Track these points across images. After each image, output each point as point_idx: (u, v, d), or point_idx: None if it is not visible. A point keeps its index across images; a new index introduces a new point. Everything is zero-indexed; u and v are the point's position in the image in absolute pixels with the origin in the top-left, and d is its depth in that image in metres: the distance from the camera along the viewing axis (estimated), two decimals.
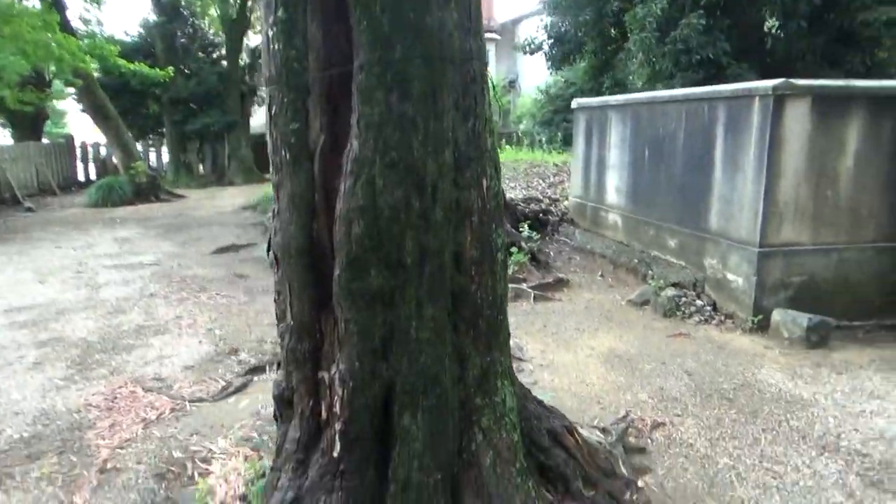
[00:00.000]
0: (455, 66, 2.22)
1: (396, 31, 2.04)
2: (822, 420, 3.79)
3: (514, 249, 7.12)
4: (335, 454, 2.28)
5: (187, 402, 4.12)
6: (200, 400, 4.18)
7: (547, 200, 9.36)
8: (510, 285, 6.55)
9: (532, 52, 12.23)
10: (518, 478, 2.48)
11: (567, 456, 2.88)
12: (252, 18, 18.86)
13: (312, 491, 2.32)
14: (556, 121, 17.60)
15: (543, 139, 17.64)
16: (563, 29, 11.09)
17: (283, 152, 2.17)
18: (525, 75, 30.81)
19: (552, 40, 11.59)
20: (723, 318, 5.65)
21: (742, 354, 4.87)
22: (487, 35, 29.24)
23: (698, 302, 5.87)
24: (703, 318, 5.67)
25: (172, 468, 3.38)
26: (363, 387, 2.25)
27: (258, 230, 10.43)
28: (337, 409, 2.25)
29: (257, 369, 4.67)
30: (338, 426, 2.26)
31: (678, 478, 3.23)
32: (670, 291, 5.97)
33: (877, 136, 5.33)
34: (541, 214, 8.74)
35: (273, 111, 2.17)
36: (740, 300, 5.53)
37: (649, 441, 3.60)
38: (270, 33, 2.10)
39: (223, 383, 4.46)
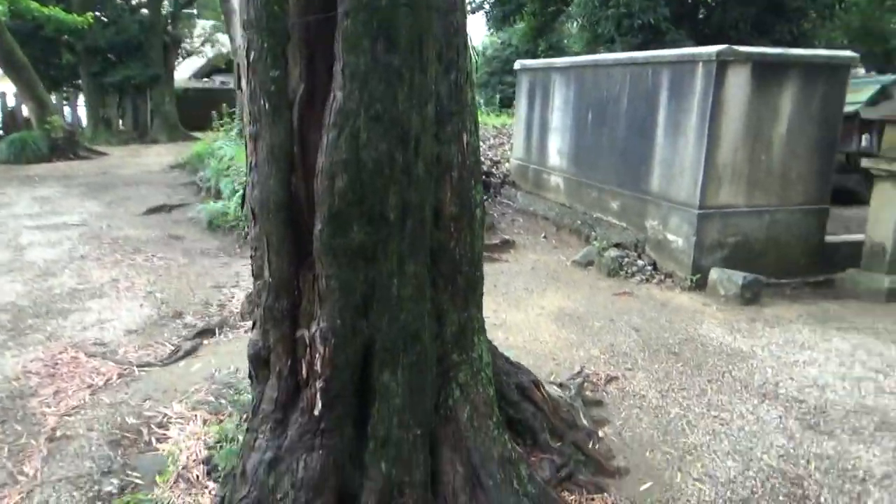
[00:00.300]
0: (440, 15, 2.17)
1: None
2: (761, 370, 4.03)
3: None
4: (316, 412, 2.25)
5: (135, 367, 3.97)
6: (149, 364, 4.03)
7: (488, 163, 9.39)
8: None
9: (473, 12, 12.11)
10: (494, 431, 2.53)
11: (535, 409, 2.96)
12: None
13: (292, 450, 2.29)
14: (492, 83, 17.59)
15: (480, 101, 17.60)
16: None
17: (263, 101, 2.08)
18: None
19: (493, 0, 11.51)
20: (663, 277, 5.88)
21: (683, 311, 5.10)
22: None
23: (640, 262, 6.07)
24: (644, 278, 5.89)
25: (127, 434, 3.26)
26: (344, 344, 2.22)
27: (190, 190, 10.02)
28: (318, 366, 2.22)
29: (206, 332, 4.54)
30: (319, 384, 2.23)
31: (634, 427, 3.38)
32: (613, 252, 6.15)
33: (808, 104, 5.59)
34: (483, 177, 8.77)
35: (252, 57, 2.06)
36: (680, 260, 5.76)
37: (605, 394, 3.73)
38: None
39: (171, 347, 4.32)
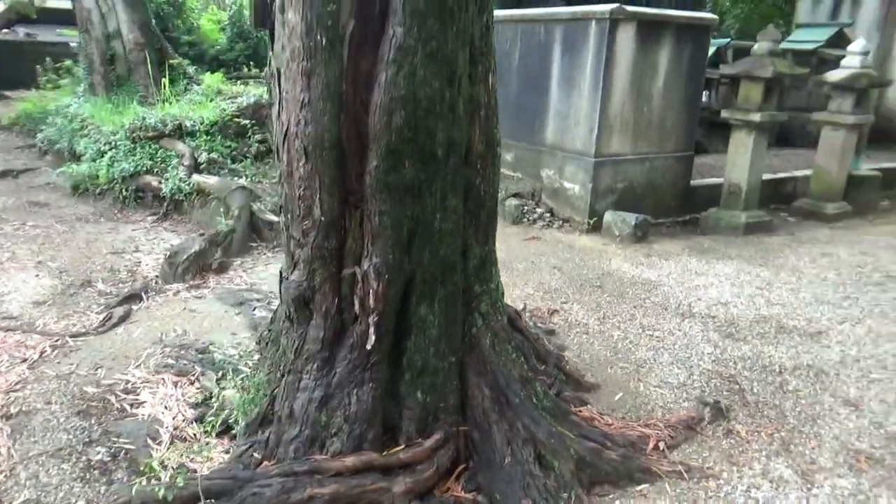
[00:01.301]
0: None
1: None
2: (673, 295, 4.60)
3: None
4: (368, 346, 2.30)
5: (68, 338, 3.63)
6: (84, 334, 3.70)
7: None
8: None
9: None
10: (513, 354, 2.73)
11: (522, 337, 3.20)
12: None
13: (342, 386, 2.33)
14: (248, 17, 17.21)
15: None
16: None
17: (320, 36, 2.04)
18: None
19: None
20: (561, 222, 6.36)
21: (589, 251, 5.60)
22: None
23: (538, 209, 6.51)
24: (545, 223, 6.33)
25: (93, 403, 3.04)
26: (393, 279, 2.29)
27: (31, 154, 8.89)
28: (371, 302, 2.27)
29: (133, 297, 4.23)
30: (372, 318, 2.28)
31: (588, 350, 3.76)
32: (514, 201, 6.53)
33: (679, 61, 6.27)
34: None
35: None
36: (576, 205, 6.27)
37: (552, 325, 4.07)
38: None
39: (96, 315, 3.99)
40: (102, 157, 6.95)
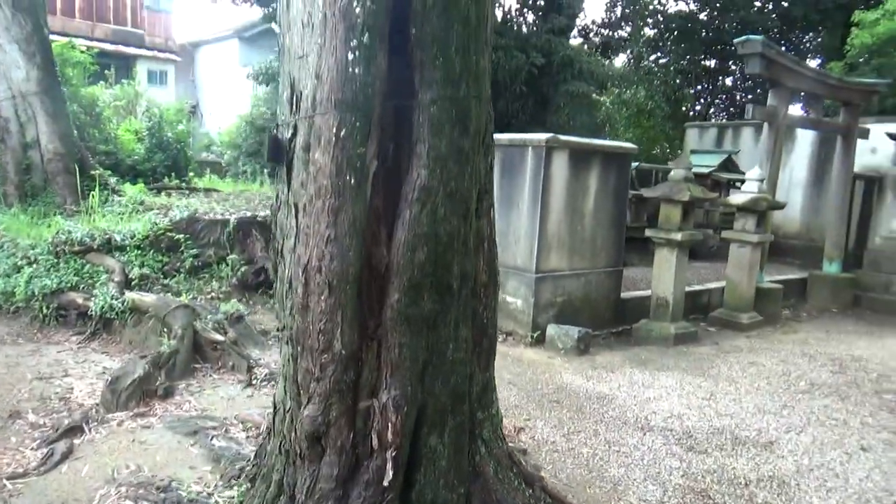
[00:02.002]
0: (484, 104, 2.44)
1: (464, 72, 2.20)
2: (629, 409, 4.74)
3: None
4: (385, 482, 2.23)
5: (5, 481, 3.26)
6: (23, 475, 3.34)
7: None
8: None
9: (268, 83, 12.06)
10: (515, 481, 2.72)
11: (509, 460, 3.18)
12: None
13: None
14: (262, 151, 17.37)
15: (248, 171, 17.23)
16: None
17: (349, 176, 2.11)
18: (206, 101, 29.63)
19: None
20: (505, 335, 6.48)
21: (539, 364, 5.72)
22: (167, 56, 27.41)
23: None
24: None
25: None
26: (410, 411, 2.27)
27: None
28: (389, 435, 2.22)
29: (73, 430, 3.87)
30: (390, 453, 2.23)
31: (563, 470, 3.77)
32: None
33: (606, 183, 6.79)
34: None
35: (342, 133, 2.09)
36: (519, 319, 6.44)
37: (522, 444, 4.07)
38: (350, 57, 2.05)
39: (38, 451, 3.61)
40: (19, 272, 6.51)
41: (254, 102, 18.97)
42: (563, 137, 6.29)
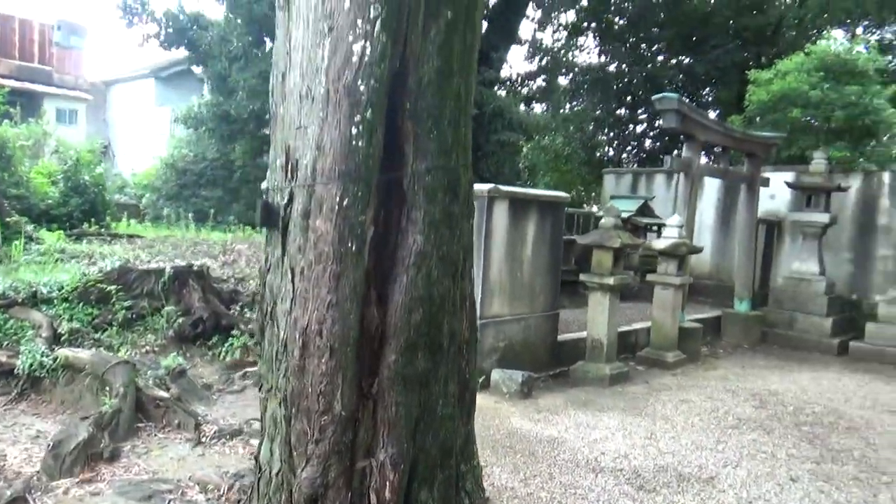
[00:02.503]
0: (470, 170, 2.60)
1: (455, 143, 2.36)
2: (579, 451, 4.93)
3: (234, 332, 6.90)
4: None
5: None
6: None
7: (233, 280, 9.16)
8: (244, 371, 6.40)
9: (196, 127, 11.86)
10: None
11: None
12: None
13: None
14: (184, 195, 16.92)
15: (171, 214, 16.71)
16: (230, 110, 11.17)
17: (350, 243, 2.21)
18: (119, 141, 28.60)
19: (218, 119, 11.52)
20: None
21: (487, 409, 5.83)
22: (78, 94, 26.34)
23: None
24: None
25: None
26: (405, 468, 2.35)
27: None
28: (387, 493, 2.29)
29: (16, 502, 3.65)
30: None
31: None
32: None
33: (543, 231, 7.11)
34: (233, 294, 8.54)
35: (345, 203, 2.19)
36: None
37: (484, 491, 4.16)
38: (354, 131, 2.17)
39: None
40: None
41: (175, 144, 18.56)
42: (503, 188, 6.57)
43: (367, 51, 2.17)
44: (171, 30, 11.80)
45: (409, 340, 2.29)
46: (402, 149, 2.35)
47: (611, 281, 6.98)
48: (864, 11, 16.77)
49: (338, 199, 2.20)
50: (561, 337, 7.69)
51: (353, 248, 2.22)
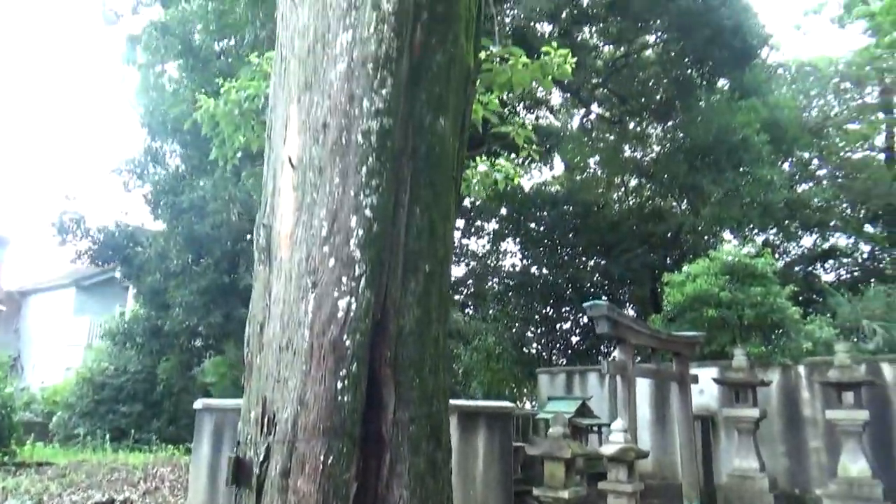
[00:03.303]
0: (448, 415, 2.60)
1: (436, 390, 2.40)
2: None
3: None
4: None
5: None
6: None
7: None
8: None
9: (124, 343, 11.45)
10: None
11: None
12: None
13: None
14: (100, 412, 15.77)
15: (84, 433, 15.41)
16: (160, 324, 10.95)
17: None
18: (30, 353, 27.05)
19: (149, 333, 11.22)
20: None
21: None
22: None
23: None
24: None
25: None
26: None
27: None
28: None
29: None
30: None
31: None
32: None
33: (492, 444, 6.98)
34: None
35: (329, 461, 2.13)
36: None
37: None
38: (339, 385, 2.18)
39: None
40: None
41: (94, 357, 17.68)
42: (453, 402, 6.51)
43: (352, 306, 2.26)
44: (105, 247, 11.83)
45: None
46: (381, 396, 2.35)
47: (566, 495, 6.77)
48: (749, 220, 18.86)
49: (322, 457, 2.13)
50: None
51: None
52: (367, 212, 2.37)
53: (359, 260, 2.31)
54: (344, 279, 2.29)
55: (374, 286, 2.33)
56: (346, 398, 2.19)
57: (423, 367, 2.35)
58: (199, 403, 8.55)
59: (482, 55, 4.71)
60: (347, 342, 2.22)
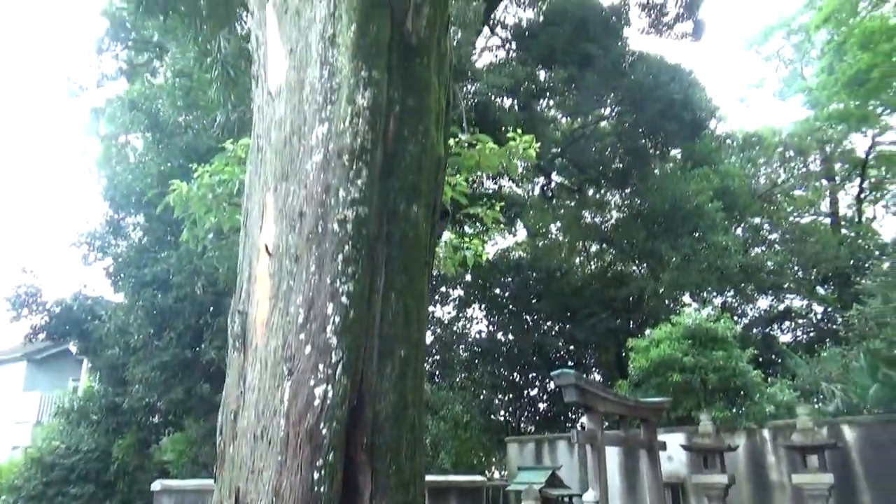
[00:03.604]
0: (426, 498, 2.60)
1: (413, 475, 2.40)
2: None
3: None
4: None
5: None
6: None
7: None
8: None
9: (79, 422, 10.98)
10: None
11: None
12: None
13: None
14: (49, 494, 14.89)
15: None
16: (118, 401, 10.56)
17: None
18: None
19: (106, 411, 10.79)
20: None
21: None
22: None
23: None
24: None
25: None
26: None
27: None
28: None
29: None
30: None
31: None
32: None
33: None
34: None
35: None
36: None
37: None
38: (316, 476, 2.22)
39: None
40: None
41: (44, 435, 16.86)
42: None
43: (329, 394, 2.28)
44: (61, 321, 11.51)
45: None
46: (357, 483, 2.34)
47: None
48: (707, 283, 19.34)
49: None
50: None
51: None
52: (344, 299, 2.42)
53: (335, 347, 2.35)
54: (321, 366, 2.32)
55: (351, 373, 2.36)
56: (322, 489, 2.18)
57: (400, 452, 2.36)
58: (157, 485, 8.23)
59: (451, 142, 4.90)
60: (324, 431, 2.22)
